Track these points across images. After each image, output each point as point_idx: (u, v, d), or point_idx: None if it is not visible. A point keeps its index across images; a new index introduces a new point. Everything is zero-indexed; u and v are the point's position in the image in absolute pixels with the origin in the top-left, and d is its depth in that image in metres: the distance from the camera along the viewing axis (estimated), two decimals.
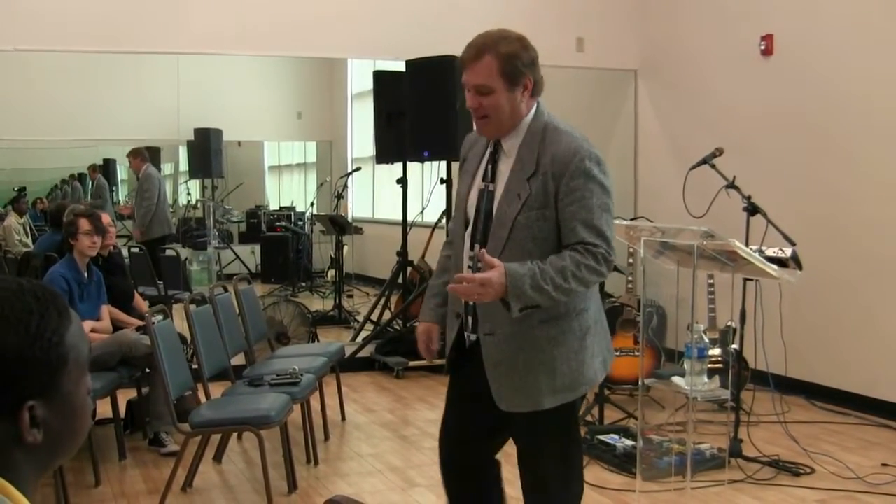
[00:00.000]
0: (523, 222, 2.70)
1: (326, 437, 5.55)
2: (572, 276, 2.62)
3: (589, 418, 5.57)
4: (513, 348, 2.77)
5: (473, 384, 2.87)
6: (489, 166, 2.82)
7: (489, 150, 2.84)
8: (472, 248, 2.82)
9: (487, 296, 2.57)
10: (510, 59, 2.68)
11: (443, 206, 7.38)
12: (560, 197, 2.68)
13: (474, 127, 2.88)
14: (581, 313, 2.80)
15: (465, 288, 2.58)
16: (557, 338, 2.76)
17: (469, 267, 2.82)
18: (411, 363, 7.00)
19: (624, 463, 4.83)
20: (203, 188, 9.11)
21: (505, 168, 2.78)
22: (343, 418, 5.94)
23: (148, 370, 5.17)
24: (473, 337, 2.86)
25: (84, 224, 5.12)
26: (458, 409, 3.07)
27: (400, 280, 7.80)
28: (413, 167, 7.91)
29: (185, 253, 8.33)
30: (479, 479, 3.16)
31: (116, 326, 5.37)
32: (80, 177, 9.79)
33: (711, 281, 5.63)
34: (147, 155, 7.98)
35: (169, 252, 7.98)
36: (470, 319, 2.87)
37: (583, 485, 3.04)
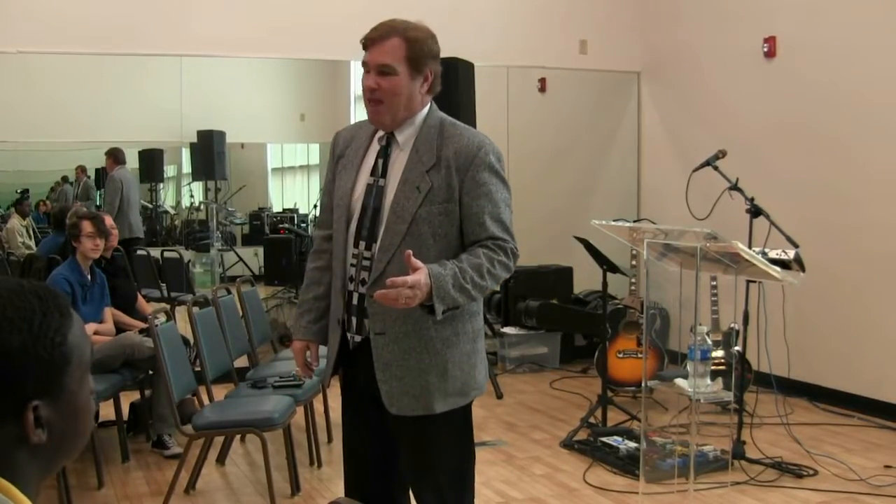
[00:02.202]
0: (424, 216, 2.59)
1: (330, 440, 5.55)
2: (488, 273, 2.56)
3: (592, 420, 5.58)
4: (404, 348, 2.64)
5: (361, 394, 2.80)
6: (379, 160, 2.69)
7: (380, 145, 2.71)
8: (356, 245, 2.68)
9: (416, 299, 2.44)
10: (418, 43, 2.60)
11: None
12: (465, 191, 2.60)
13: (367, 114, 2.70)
14: (474, 315, 2.72)
15: (395, 293, 2.42)
16: (451, 339, 2.66)
17: (353, 265, 2.69)
18: None
19: (627, 465, 4.83)
20: (206, 190, 9.10)
21: (399, 162, 2.65)
22: None
23: (151, 372, 5.17)
24: (358, 338, 2.73)
25: (87, 227, 5.12)
26: (354, 425, 2.96)
27: None
28: None
29: (187, 255, 8.33)
30: None
31: (119, 329, 5.37)
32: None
33: (714, 283, 5.63)
34: (121, 157, 8.00)
35: (170, 254, 7.99)
36: (354, 320, 2.72)
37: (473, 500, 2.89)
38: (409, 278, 2.43)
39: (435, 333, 2.64)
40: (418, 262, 2.46)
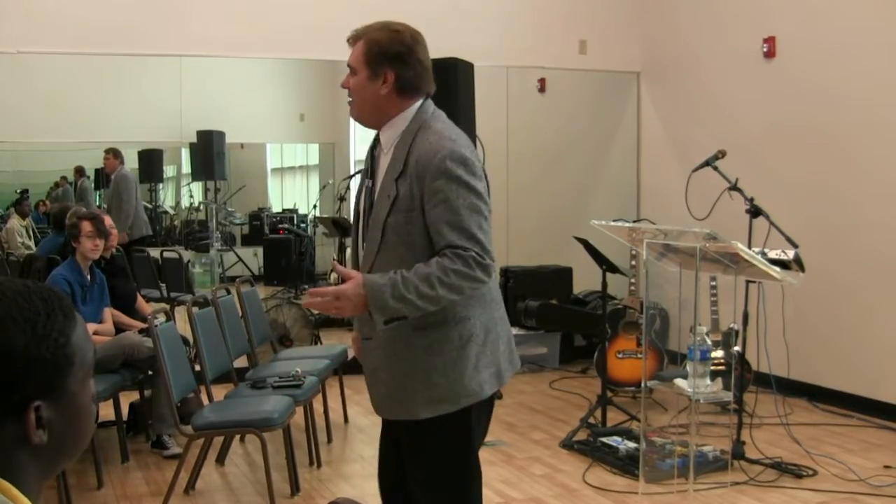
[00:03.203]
0: (392, 225, 2.59)
1: (329, 440, 5.55)
2: (439, 282, 2.46)
3: (592, 420, 5.58)
4: (387, 354, 2.66)
5: None
6: (370, 162, 2.75)
7: (370, 146, 2.76)
8: (362, 246, 2.72)
9: (346, 309, 2.48)
10: (372, 45, 2.62)
11: None
12: (425, 200, 2.54)
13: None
14: (462, 321, 2.62)
15: (320, 302, 2.47)
16: (433, 347, 2.61)
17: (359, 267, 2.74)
18: None
19: (627, 465, 4.83)
20: (206, 190, 9.10)
21: (382, 165, 2.69)
22: (346, 420, 5.94)
23: (150, 372, 5.17)
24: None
25: (86, 227, 5.12)
26: (384, 426, 2.94)
27: None
28: None
29: (187, 255, 8.33)
30: None
31: (119, 329, 5.37)
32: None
33: (714, 283, 5.63)
34: (123, 157, 8.02)
35: (170, 254, 7.99)
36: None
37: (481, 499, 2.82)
38: (332, 289, 2.47)
39: (417, 340, 2.62)
40: (350, 272, 2.51)
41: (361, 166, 2.94)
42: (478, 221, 2.53)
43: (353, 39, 2.67)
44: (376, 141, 2.74)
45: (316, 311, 2.62)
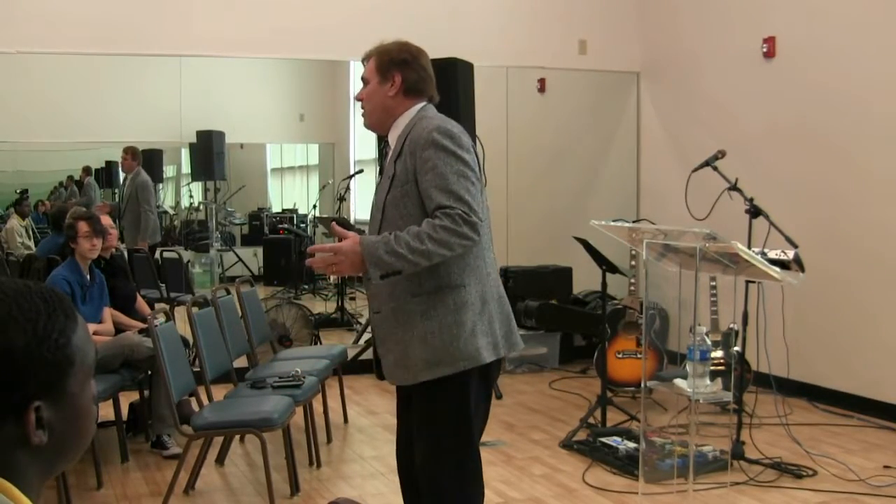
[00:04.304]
0: (391, 201, 2.86)
1: (329, 440, 5.55)
2: (428, 237, 2.68)
3: (591, 420, 5.58)
4: (392, 324, 2.90)
5: None
6: (381, 163, 3.02)
7: (381, 148, 3.09)
8: None
9: (343, 266, 2.73)
10: (382, 55, 2.98)
11: None
12: (417, 172, 2.80)
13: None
14: (456, 289, 2.84)
15: (319, 259, 2.74)
16: (428, 311, 2.84)
17: None
18: None
19: (626, 465, 4.83)
20: (205, 191, 9.10)
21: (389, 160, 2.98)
22: (345, 421, 5.94)
23: (150, 373, 5.17)
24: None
25: (83, 227, 5.12)
26: (401, 406, 3.17)
27: None
28: None
29: (187, 255, 8.33)
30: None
31: (119, 329, 5.37)
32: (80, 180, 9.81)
33: (714, 283, 5.63)
34: (141, 158, 7.99)
35: (170, 254, 7.99)
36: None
37: (480, 490, 3.02)
38: (331, 245, 2.74)
39: (415, 307, 2.85)
40: (346, 232, 2.76)
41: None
42: (465, 185, 2.76)
43: (366, 59, 3.03)
44: (386, 143, 3.04)
45: (318, 272, 2.84)
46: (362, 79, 3.04)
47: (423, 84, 2.98)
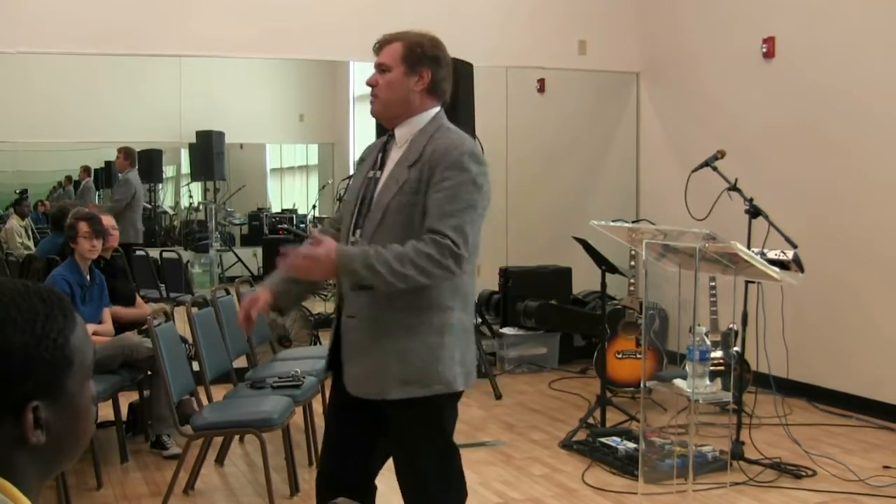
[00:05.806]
0: (395, 207, 2.73)
1: None
2: (410, 262, 2.59)
3: (591, 421, 5.58)
4: (370, 333, 2.76)
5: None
6: (380, 155, 2.88)
7: (383, 142, 2.92)
8: (353, 233, 2.84)
9: (314, 271, 2.64)
10: (414, 45, 2.81)
11: None
12: (431, 185, 2.69)
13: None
14: (445, 310, 2.75)
15: (290, 259, 2.65)
16: (413, 328, 2.73)
17: None
18: None
19: (626, 465, 4.83)
20: (205, 191, 9.10)
21: (394, 157, 2.84)
22: None
23: (150, 373, 5.17)
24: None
25: (83, 227, 5.11)
26: (339, 413, 3.00)
27: None
28: None
29: (186, 255, 8.33)
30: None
31: (119, 328, 5.36)
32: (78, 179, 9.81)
33: (713, 283, 5.63)
34: (133, 159, 7.98)
35: (169, 254, 7.99)
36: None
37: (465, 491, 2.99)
38: (304, 249, 2.63)
39: (399, 321, 2.73)
40: (324, 238, 2.66)
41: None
42: (470, 218, 2.67)
43: (385, 42, 2.84)
44: (390, 136, 2.88)
45: (285, 272, 2.77)
46: (378, 64, 2.82)
47: (447, 85, 2.87)
